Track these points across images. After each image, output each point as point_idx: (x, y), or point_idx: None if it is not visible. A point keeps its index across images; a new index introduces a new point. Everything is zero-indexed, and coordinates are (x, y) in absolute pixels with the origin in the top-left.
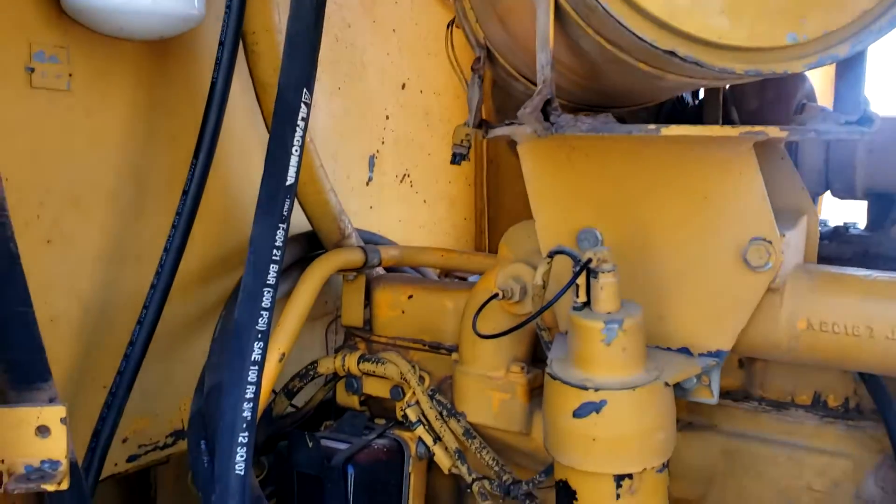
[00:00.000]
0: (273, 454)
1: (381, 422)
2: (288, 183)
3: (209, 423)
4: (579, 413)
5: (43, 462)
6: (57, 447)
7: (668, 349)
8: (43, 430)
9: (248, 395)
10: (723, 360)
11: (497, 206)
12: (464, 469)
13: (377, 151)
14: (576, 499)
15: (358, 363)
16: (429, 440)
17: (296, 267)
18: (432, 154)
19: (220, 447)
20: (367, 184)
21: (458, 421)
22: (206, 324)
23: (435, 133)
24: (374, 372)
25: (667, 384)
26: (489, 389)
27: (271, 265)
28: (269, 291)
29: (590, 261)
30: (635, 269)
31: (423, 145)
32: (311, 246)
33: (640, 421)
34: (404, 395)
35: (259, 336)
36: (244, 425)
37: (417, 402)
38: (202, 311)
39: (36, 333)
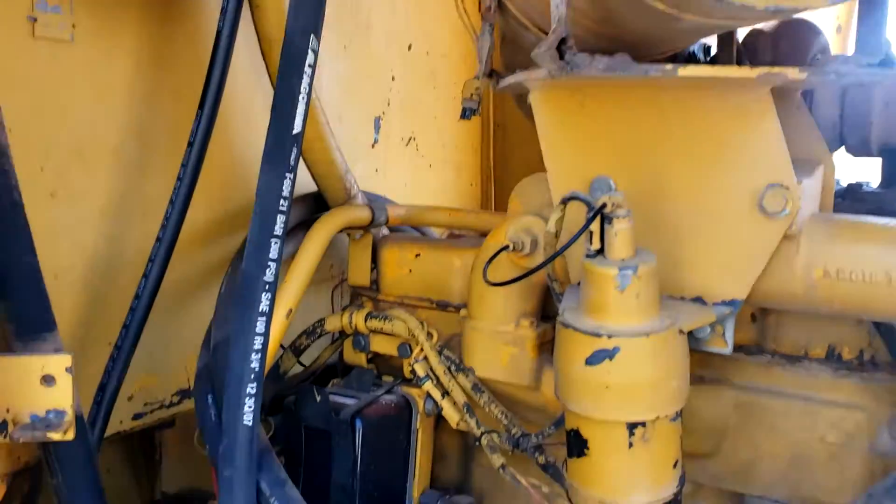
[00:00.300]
0: (281, 411)
1: (389, 379)
2: (295, 131)
3: (216, 377)
4: (592, 360)
5: (48, 412)
6: (62, 397)
7: (682, 298)
8: (48, 380)
9: (255, 347)
10: (737, 309)
11: (503, 172)
12: (472, 423)
13: (383, 113)
14: (587, 447)
15: (365, 320)
16: (437, 395)
17: (301, 228)
18: (438, 117)
19: (228, 398)
20: (373, 146)
21: (467, 376)
22: (211, 283)
23: (441, 96)
24: (381, 329)
25: (681, 332)
26: (498, 344)
27: (278, 215)
28: (275, 242)
29: (604, 206)
30: (649, 217)
31: (429, 108)
32: (317, 207)
33: (654, 368)
34: (412, 351)
35: (266, 287)
36: (252, 376)
37: (426, 358)
38: (207, 270)
39: (41, 283)
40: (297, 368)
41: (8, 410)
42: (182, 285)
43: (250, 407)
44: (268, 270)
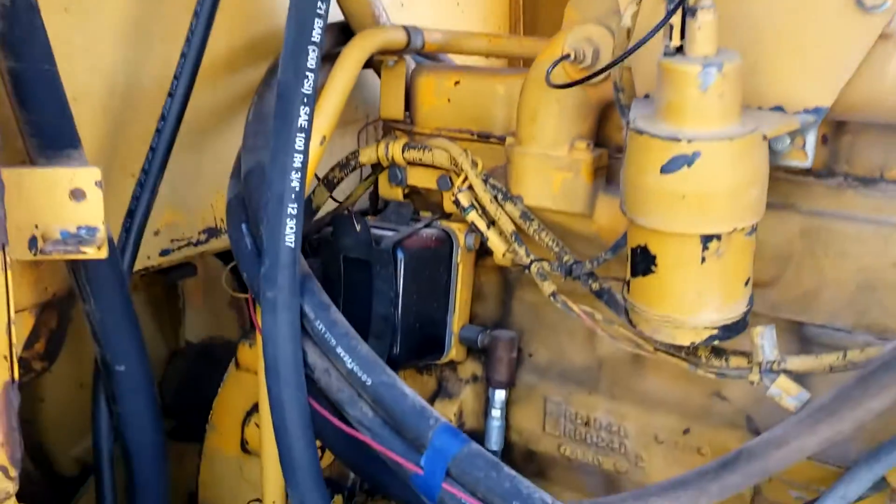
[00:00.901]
0: (310, 256)
1: (428, 214)
2: None
3: (250, 204)
4: (668, 168)
5: (79, 228)
6: (93, 212)
7: (760, 108)
8: (77, 195)
9: (295, 165)
10: (821, 117)
11: (534, 16)
12: (521, 251)
13: None
14: (655, 264)
15: (403, 151)
16: (482, 225)
17: (327, 61)
18: None
19: (268, 219)
20: None
21: (515, 204)
22: (235, 115)
23: None
24: (420, 160)
25: (764, 137)
26: (550, 169)
27: (316, 20)
28: (313, 50)
29: None
30: (726, 17)
31: None
32: (343, 38)
33: (735, 175)
34: (452, 184)
35: (304, 100)
36: (293, 196)
37: (470, 187)
38: (231, 100)
39: (62, 95)
40: (328, 207)
41: (36, 227)
42: (205, 119)
43: (291, 228)
44: (305, 81)
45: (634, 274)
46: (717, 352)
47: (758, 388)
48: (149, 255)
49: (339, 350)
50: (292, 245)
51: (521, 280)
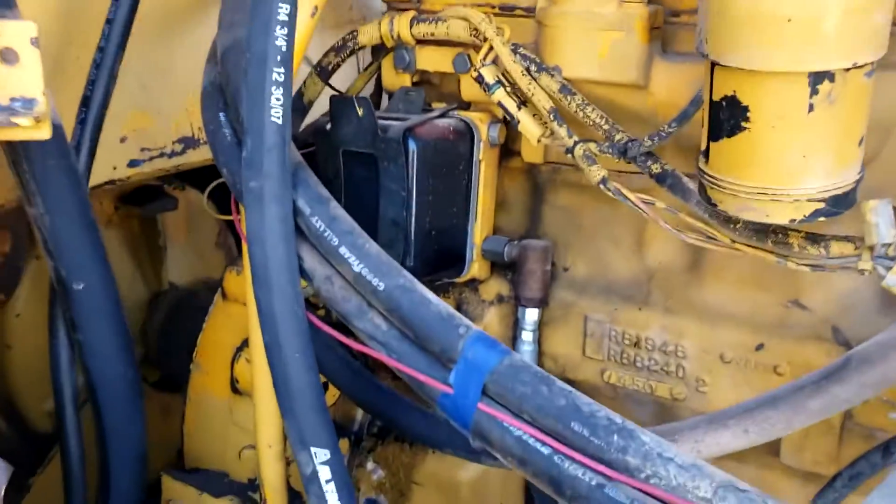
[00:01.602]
0: (313, 132)
1: (442, 105)
2: None
3: (227, 87)
4: None
5: (12, 100)
6: (29, 78)
7: None
8: (8, 56)
9: (280, 17)
10: None
11: None
12: (562, 130)
13: None
14: (747, 118)
15: (411, 26)
16: (511, 105)
17: None
18: None
19: (249, 87)
20: None
21: (552, 76)
22: (208, 6)
23: None
24: (432, 35)
25: None
26: (595, 30)
27: None
28: None
29: None
30: None
31: None
32: None
33: None
34: (472, 64)
35: None
36: (278, 58)
37: (495, 61)
38: None
39: None
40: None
41: None
42: (176, 6)
43: (278, 99)
44: None
45: (717, 136)
46: (814, 238)
47: (844, 295)
48: (115, 165)
49: (343, 250)
50: (280, 120)
51: (554, 182)
